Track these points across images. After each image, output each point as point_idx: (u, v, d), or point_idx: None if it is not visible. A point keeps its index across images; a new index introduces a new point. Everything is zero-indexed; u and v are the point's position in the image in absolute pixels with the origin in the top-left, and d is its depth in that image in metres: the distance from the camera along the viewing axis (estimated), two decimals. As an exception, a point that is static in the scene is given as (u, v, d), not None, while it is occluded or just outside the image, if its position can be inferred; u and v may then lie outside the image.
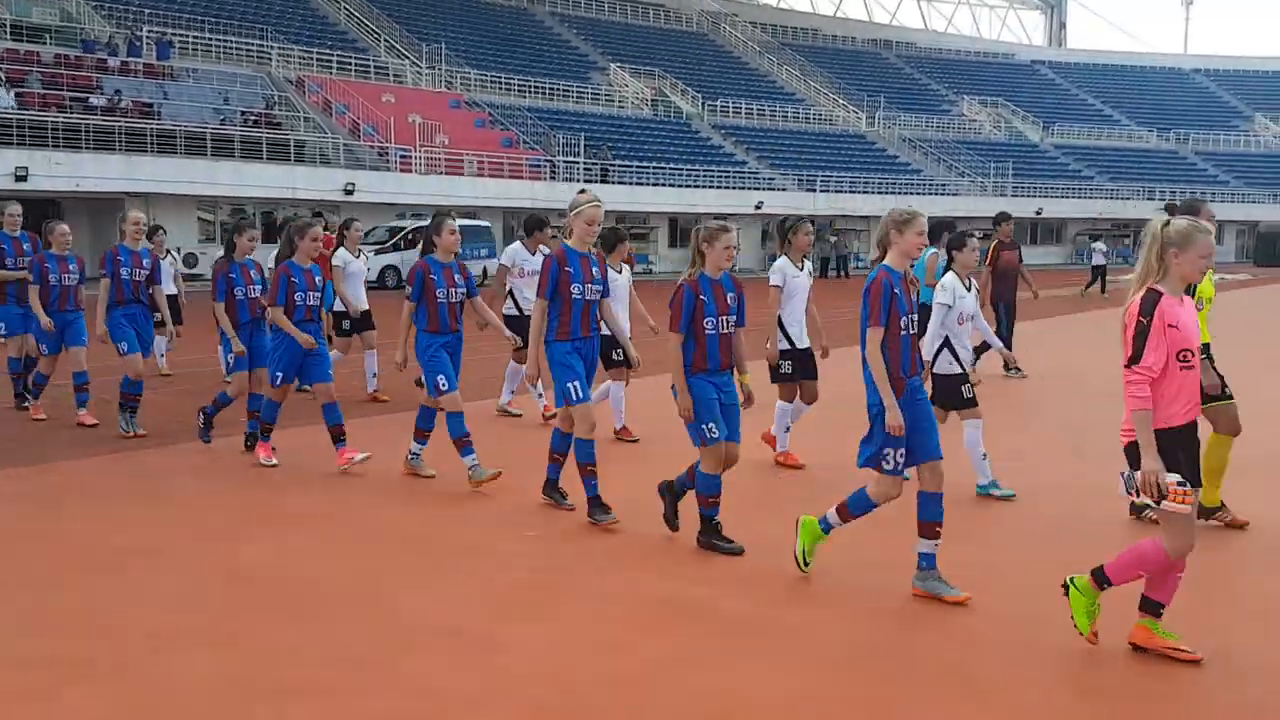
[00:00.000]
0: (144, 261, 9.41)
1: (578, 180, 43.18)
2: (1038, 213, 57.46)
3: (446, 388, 7.31)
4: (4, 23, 36.02)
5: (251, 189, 33.77)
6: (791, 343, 7.93)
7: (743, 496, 6.91)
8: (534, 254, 9.99)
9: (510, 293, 10.17)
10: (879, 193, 51.07)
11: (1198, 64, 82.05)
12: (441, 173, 39.01)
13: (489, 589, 5.60)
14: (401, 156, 38.54)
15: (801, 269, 7.97)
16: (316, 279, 8.14)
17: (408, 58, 46.66)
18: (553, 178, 42.44)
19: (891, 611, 5.28)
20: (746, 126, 55.08)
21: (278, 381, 8.07)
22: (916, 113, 63.86)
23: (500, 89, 48.24)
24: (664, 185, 45.51)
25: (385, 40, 47.52)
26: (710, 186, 47.01)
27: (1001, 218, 13.74)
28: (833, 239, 47.69)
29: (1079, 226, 61.93)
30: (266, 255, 9.36)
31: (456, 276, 7.48)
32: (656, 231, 46.94)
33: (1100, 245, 37.47)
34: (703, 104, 54.89)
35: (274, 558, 6.10)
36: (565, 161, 43.48)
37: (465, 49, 49.60)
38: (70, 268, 9.86)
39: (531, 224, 10.28)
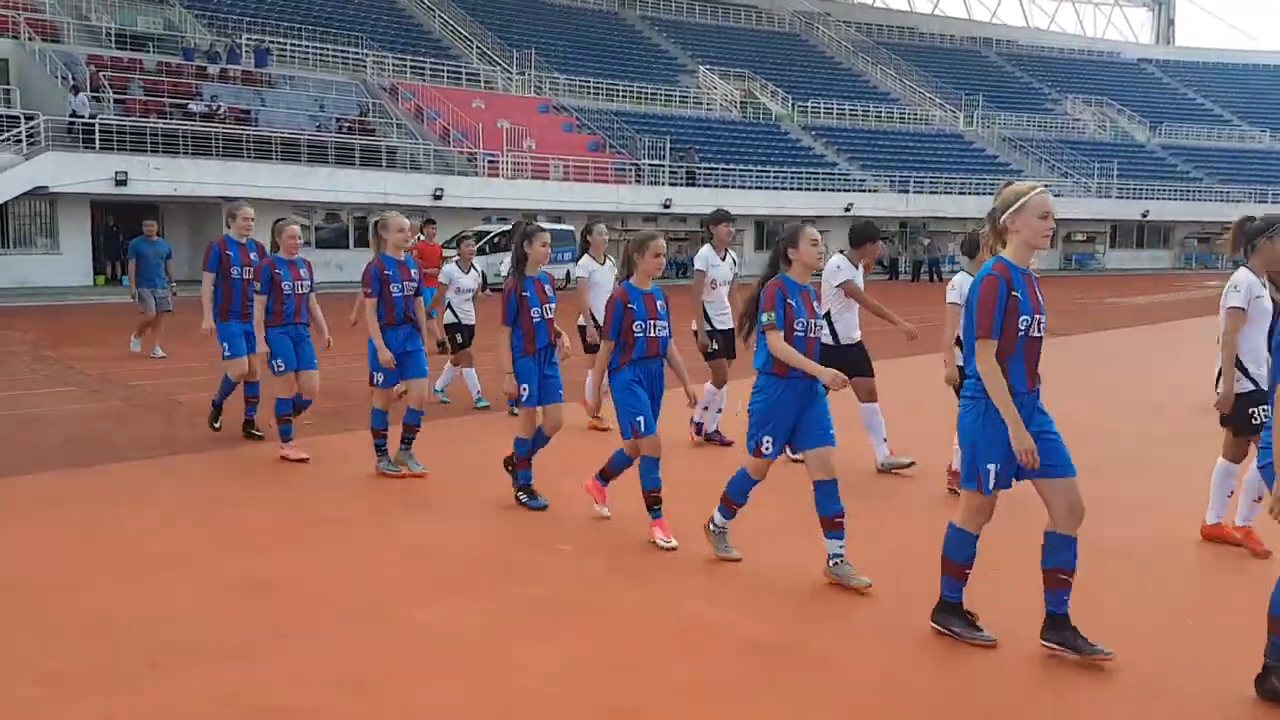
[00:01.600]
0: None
1: (663, 184, 43.02)
2: (1144, 215, 55.55)
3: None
4: (109, 31, 37.33)
5: (345, 194, 34.35)
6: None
7: (776, 514, 6.62)
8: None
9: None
10: (975, 193, 49.80)
11: (1318, 59, 78.40)
12: (528, 177, 39.22)
13: (509, 606, 5.42)
14: (489, 161, 38.85)
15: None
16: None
17: (499, 64, 47.06)
18: (638, 181, 42.35)
19: (921, 642, 4.94)
20: (838, 128, 54.28)
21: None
22: (1018, 111, 62.21)
23: (588, 94, 48.34)
24: (752, 188, 45.06)
25: (477, 47, 48.01)
26: (799, 189, 46.41)
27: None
28: (925, 241, 46.71)
29: (1187, 230, 59.64)
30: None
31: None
32: (743, 234, 46.60)
33: None
34: (793, 105, 54.26)
35: (295, 568, 6.02)
36: (651, 165, 43.36)
37: (554, 54, 49.84)
38: (302, 274, 8.51)
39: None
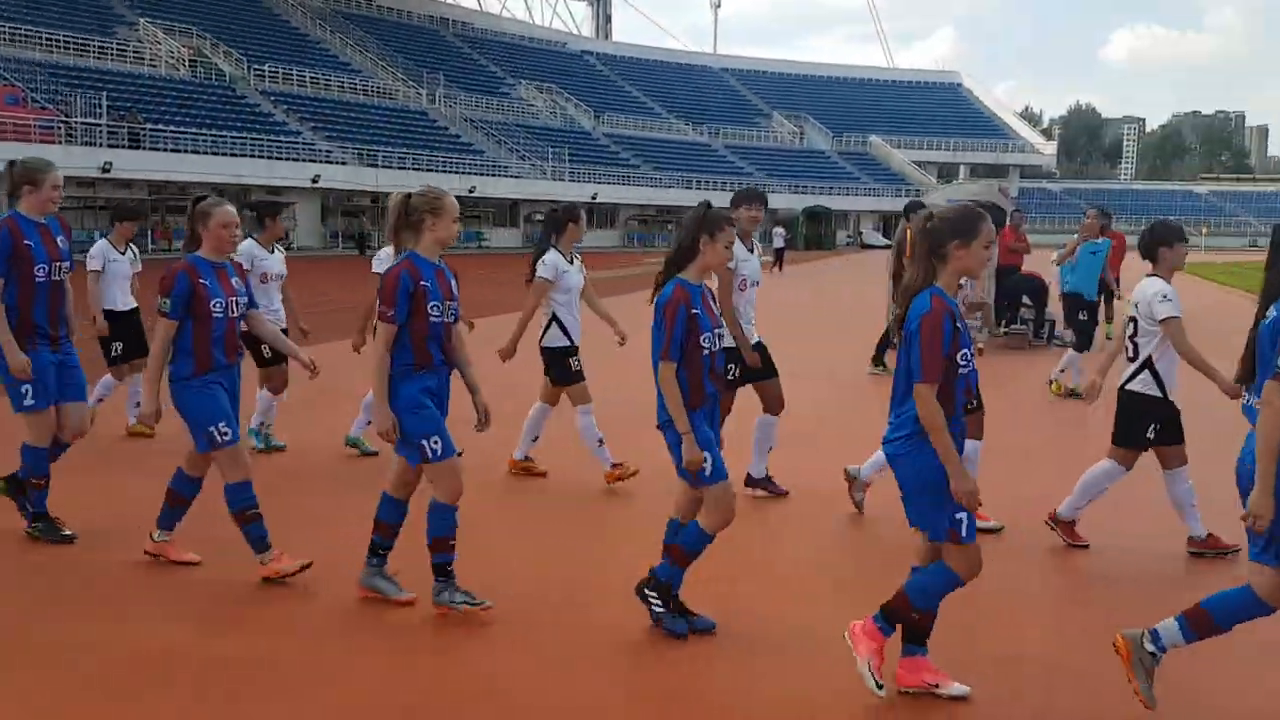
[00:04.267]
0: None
1: (100, 145, 38.32)
2: (594, 198, 59.80)
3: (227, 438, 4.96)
4: None
5: None
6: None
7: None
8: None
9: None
10: (443, 171, 50.39)
11: (725, 64, 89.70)
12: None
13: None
14: None
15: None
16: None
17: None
18: (69, 141, 37.30)
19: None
20: (300, 95, 52.03)
21: None
22: (477, 93, 63.93)
23: (4, 40, 41.66)
24: (207, 153, 41.69)
25: None
26: (261, 156, 43.78)
27: (914, 206, 12.92)
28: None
29: (629, 212, 65.34)
30: None
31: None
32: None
33: (781, 230, 40.85)
34: (249, 68, 51.05)
35: None
36: (85, 124, 38.40)
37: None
38: (234, 284, 5.21)
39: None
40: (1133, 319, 5.65)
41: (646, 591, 4.46)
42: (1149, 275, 5.66)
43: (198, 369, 4.91)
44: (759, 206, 6.54)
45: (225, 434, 4.91)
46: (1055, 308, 13.58)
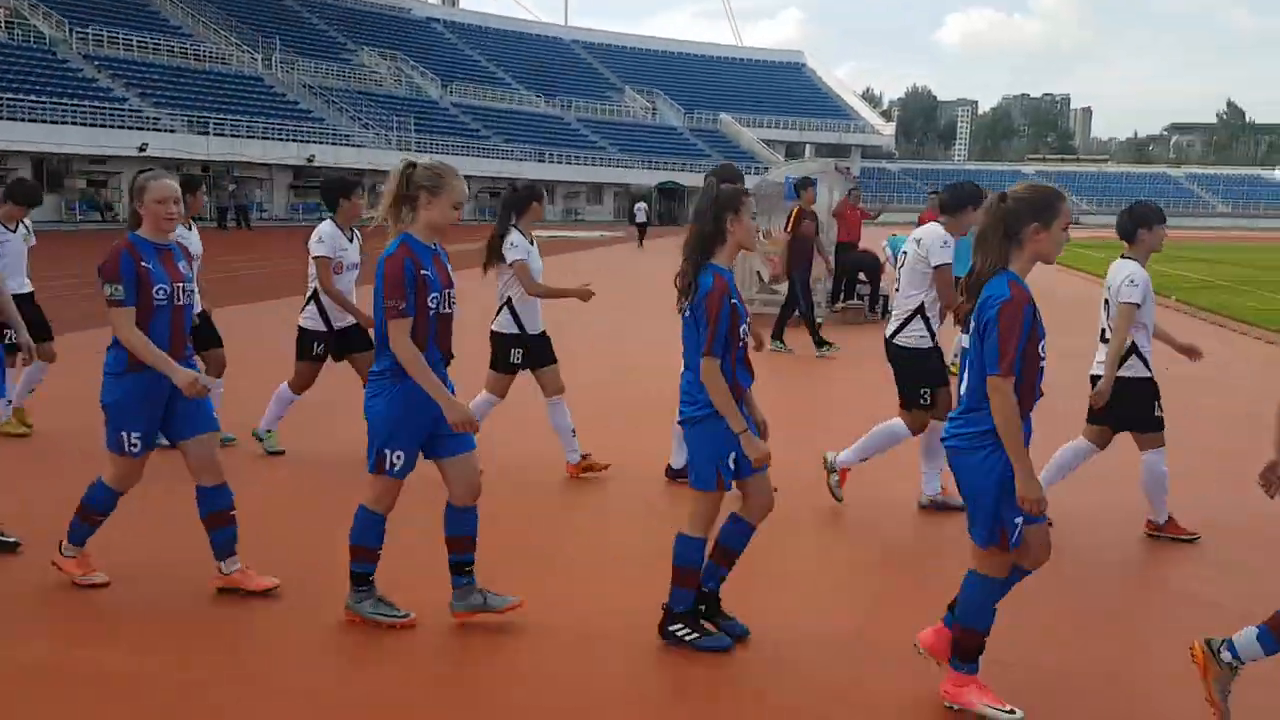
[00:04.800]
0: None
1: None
2: (440, 168, 58.63)
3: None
4: None
5: None
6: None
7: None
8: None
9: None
10: (280, 139, 48.55)
11: (577, 36, 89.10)
12: None
13: None
14: None
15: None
16: None
17: None
18: None
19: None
20: (125, 59, 49.18)
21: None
22: (317, 59, 61.74)
23: None
24: (24, 120, 39.07)
25: None
26: (82, 124, 41.24)
27: (805, 183, 12.59)
28: (231, 188, 44.49)
29: (479, 185, 64.33)
30: None
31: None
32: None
33: (643, 205, 41.81)
34: (70, 30, 47.99)
35: None
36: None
37: None
38: (181, 269, 4.69)
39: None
40: (1106, 301, 5.58)
41: (670, 630, 4.17)
42: (1124, 257, 5.56)
43: (132, 364, 4.36)
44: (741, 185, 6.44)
45: (134, 446, 4.43)
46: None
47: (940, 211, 6.01)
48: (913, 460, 6.27)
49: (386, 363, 4.08)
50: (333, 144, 52.81)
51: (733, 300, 4.02)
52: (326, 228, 6.68)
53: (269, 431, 7.00)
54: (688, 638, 4.13)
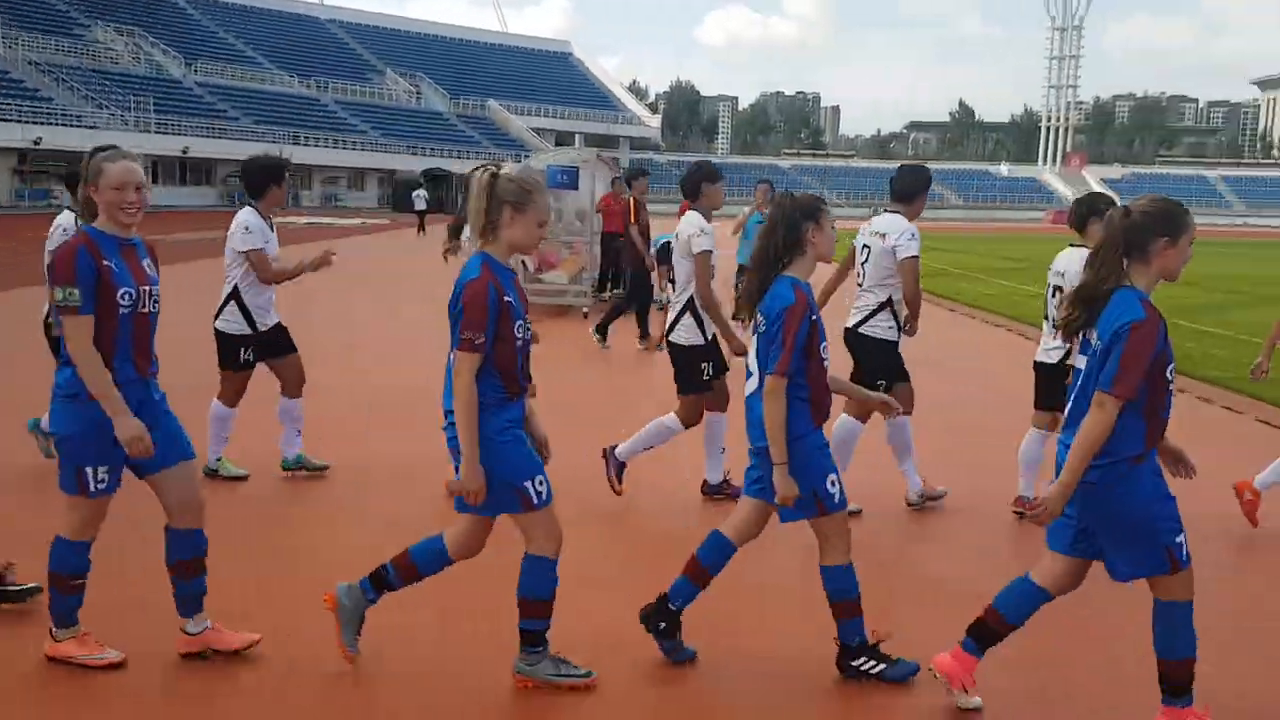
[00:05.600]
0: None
1: None
2: (185, 151, 55.18)
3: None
4: None
5: None
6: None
7: None
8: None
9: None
10: (2, 119, 44.33)
11: (333, 15, 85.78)
12: None
13: None
14: None
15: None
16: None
17: None
18: None
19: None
20: None
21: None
22: (42, 33, 56.71)
23: None
24: None
25: None
26: None
27: (638, 173, 12.46)
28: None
29: (229, 168, 60.90)
30: None
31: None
32: None
33: (423, 192, 41.36)
34: None
35: None
36: None
37: None
38: (146, 269, 3.81)
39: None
40: (1058, 288, 5.55)
41: (853, 665, 3.88)
42: (1074, 246, 5.57)
43: None
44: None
45: (101, 483, 3.59)
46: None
47: (894, 200, 5.90)
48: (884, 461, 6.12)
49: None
50: (63, 125, 48.63)
51: (813, 317, 3.77)
52: (250, 217, 5.90)
53: (219, 460, 6.11)
54: (873, 670, 3.87)
